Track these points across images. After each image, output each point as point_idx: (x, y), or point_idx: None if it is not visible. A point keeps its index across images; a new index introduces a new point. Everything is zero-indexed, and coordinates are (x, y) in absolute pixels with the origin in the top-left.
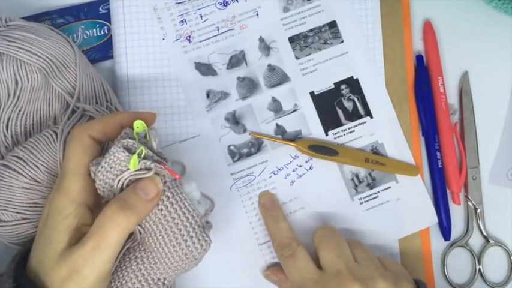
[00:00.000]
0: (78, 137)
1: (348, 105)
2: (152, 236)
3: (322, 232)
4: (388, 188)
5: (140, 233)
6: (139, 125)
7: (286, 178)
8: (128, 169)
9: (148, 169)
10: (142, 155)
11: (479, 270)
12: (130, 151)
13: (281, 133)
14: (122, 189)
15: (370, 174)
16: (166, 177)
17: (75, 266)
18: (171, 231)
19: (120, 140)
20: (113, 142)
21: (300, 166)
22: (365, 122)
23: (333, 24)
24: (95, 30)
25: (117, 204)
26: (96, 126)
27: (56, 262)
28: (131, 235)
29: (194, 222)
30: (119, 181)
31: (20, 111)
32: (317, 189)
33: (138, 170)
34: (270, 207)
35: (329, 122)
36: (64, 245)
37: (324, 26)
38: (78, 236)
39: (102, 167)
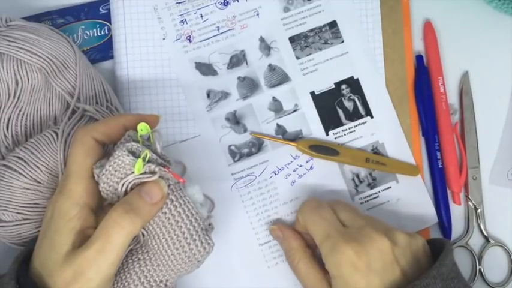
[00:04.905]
0: (82, 139)
1: (349, 105)
2: (155, 238)
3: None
4: (388, 188)
5: (143, 235)
6: (143, 128)
7: (286, 178)
8: (133, 172)
9: (153, 173)
10: (147, 159)
11: (480, 270)
12: (134, 154)
13: (282, 133)
14: (126, 192)
15: (370, 174)
16: (170, 180)
17: (80, 268)
18: (175, 235)
19: (124, 142)
20: (115, 144)
21: (301, 166)
22: (365, 122)
23: (333, 24)
24: (95, 30)
25: (123, 207)
26: (100, 128)
27: (60, 265)
28: (134, 237)
29: (197, 226)
30: (123, 184)
31: (20, 111)
32: (318, 189)
33: (142, 174)
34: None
35: (329, 122)
36: (68, 247)
37: (324, 26)
38: (82, 239)
39: (106, 170)
